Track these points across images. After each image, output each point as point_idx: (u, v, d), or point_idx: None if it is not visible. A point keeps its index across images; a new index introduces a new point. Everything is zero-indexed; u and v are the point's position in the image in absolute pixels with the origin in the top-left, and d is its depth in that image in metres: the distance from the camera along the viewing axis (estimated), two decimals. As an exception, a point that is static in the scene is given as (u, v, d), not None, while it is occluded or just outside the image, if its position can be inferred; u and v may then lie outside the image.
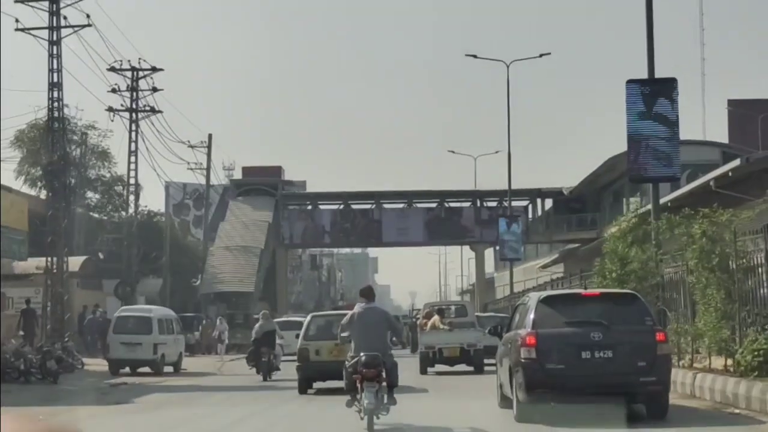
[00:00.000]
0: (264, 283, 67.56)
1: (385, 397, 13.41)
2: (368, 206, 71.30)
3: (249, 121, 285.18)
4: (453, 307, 31.47)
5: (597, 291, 15.72)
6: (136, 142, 48.14)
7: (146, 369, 30.11)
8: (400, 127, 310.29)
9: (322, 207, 71.55)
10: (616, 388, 13.00)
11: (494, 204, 70.86)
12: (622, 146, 25.59)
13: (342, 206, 71.03)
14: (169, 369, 31.02)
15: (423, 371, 26.25)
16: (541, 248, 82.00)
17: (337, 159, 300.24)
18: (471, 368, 26.64)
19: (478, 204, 70.83)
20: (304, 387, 20.84)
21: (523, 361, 13.11)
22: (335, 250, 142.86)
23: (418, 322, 32.03)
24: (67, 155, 39.35)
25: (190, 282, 62.98)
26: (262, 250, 63.95)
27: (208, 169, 63.62)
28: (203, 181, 64.11)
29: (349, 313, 14.58)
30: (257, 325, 27.90)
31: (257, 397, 21.23)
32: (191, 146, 63.34)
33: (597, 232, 64.19)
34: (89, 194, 59.06)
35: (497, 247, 64.54)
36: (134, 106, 48.34)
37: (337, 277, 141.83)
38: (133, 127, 48.31)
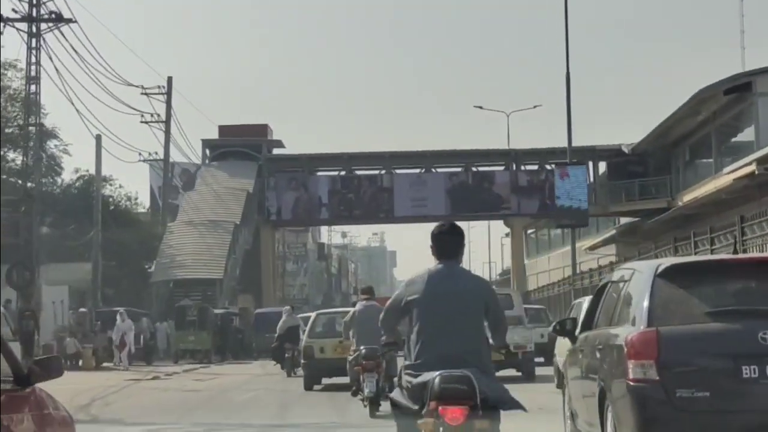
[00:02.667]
0: (244, 269, 53.28)
1: (387, 386, 13.82)
2: (376, 172, 56.74)
3: (228, 71, 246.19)
4: None
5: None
6: (37, 60, 33.64)
7: None
8: (413, 81, 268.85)
9: (318, 174, 56.98)
10: None
11: (535, 167, 56.19)
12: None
13: (343, 172, 56.49)
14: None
15: None
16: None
17: (336, 119, 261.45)
18: (519, 374, 22.67)
19: (514, 167, 56.13)
20: (309, 383, 21.23)
21: (632, 384, 7.62)
22: (346, 239, 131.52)
23: None
24: None
25: (144, 267, 48.60)
26: (237, 225, 49.40)
27: (167, 121, 49.33)
28: (161, 138, 49.80)
29: (351, 310, 16.23)
30: (281, 321, 28.51)
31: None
32: (145, 93, 49.14)
33: (668, 201, 50.26)
34: (11, 155, 44.69)
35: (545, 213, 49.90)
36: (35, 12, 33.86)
37: (349, 269, 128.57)
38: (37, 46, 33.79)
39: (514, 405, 6.33)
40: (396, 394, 6.41)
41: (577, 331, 10.02)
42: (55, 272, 39.34)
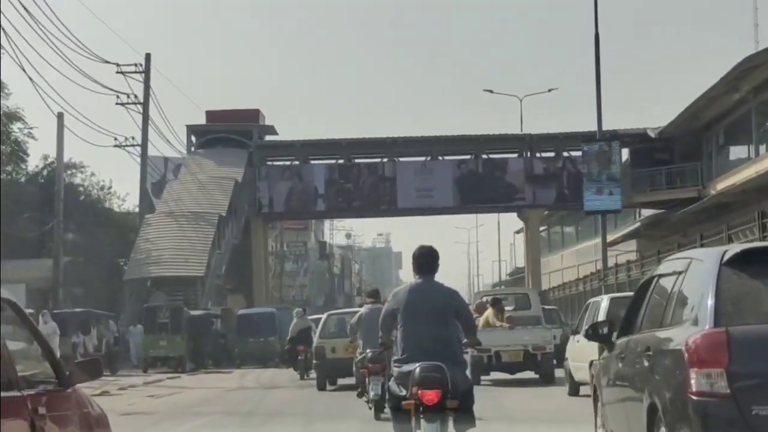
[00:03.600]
0: (233, 266, 48.43)
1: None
2: (377, 159, 51.81)
3: (218, 54, 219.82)
4: (512, 297, 27.34)
5: None
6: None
7: None
8: (417, 64, 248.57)
9: (313, 162, 52.06)
10: None
11: (551, 154, 51.25)
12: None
13: (341, 160, 51.57)
14: None
15: (476, 381, 19.11)
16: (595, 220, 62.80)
17: (333, 105, 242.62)
18: (536, 377, 21.56)
19: (529, 154, 51.18)
20: (322, 383, 21.67)
21: (695, 399, 6.38)
22: (350, 240, 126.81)
23: None
24: None
25: (120, 265, 43.73)
26: (223, 217, 44.48)
27: (145, 101, 44.50)
28: (139, 122, 44.97)
29: (358, 313, 16.61)
30: (292, 324, 28.46)
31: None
32: (121, 71, 44.41)
33: (698, 190, 45.62)
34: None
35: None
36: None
37: (353, 269, 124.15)
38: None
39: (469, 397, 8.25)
40: (391, 384, 8.46)
41: (614, 335, 8.66)
42: (13, 270, 34.51)
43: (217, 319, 37.39)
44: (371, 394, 14.72)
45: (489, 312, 22.00)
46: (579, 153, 51.07)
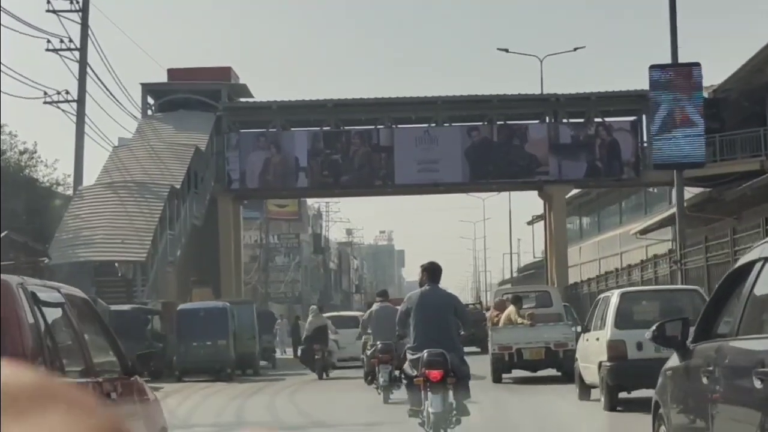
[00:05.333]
0: (196, 252, 39.87)
1: (398, 376, 15.97)
2: (371, 126, 43.12)
3: (185, 8, 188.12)
4: (533, 294, 26.92)
5: None
6: None
7: None
8: (420, 19, 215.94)
9: (294, 129, 43.32)
10: None
11: (580, 120, 42.57)
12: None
13: (328, 127, 42.86)
14: None
15: (497, 378, 21.75)
16: (619, 207, 54.95)
17: (320, 64, 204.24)
18: (559, 374, 21.45)
19: (554, 119, 42.48)
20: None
21: None
22: (353, 237, 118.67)
23: (487, 314, 26.99)
24: None
25: (45, 246, 34.91)
26: (176, 190, 35.70)
27: (83, 43, 36.02)
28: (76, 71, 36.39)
29: (368, 311, 19.70)
30: (307, 322, 27.61)
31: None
32: (53, 10, 35.99)
33: (761, 162, 38.12)
34: None
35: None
36: None
37: (351, 265, 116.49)
38: None
39: (465, 375, 11.29)
40: (406, 366, 11.39)
41: (689, 339, 6.97)
42: None
43: (153, 317, 28.56)
44: (381, 380, 17.38)
45: (511, 309, 22.17)
46: (615, 119, 42.79)
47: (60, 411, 0.95)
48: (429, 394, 10.70)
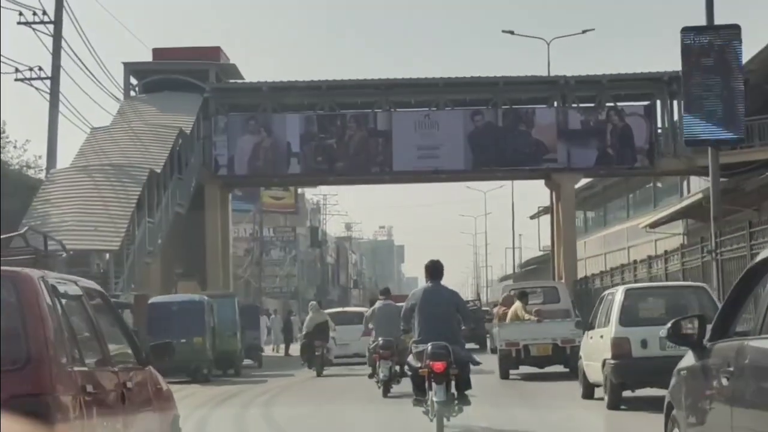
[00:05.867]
0: (181, 243, 37.46)
1: (398, 371, 17.73)
2: (368, 110, 40.53)
3: None
4: (539, 290, 26.21)
5: None
6: None
7: None
8: (421, 0, 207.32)
9: (286, 113, 40.68)
10: None
11: (591, 105, 39.98)
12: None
13: (322, 110, 40.27)
14: None
15: (504, 375, 21.70)
16: (627, 201, 52.85)
17: (315, 45, 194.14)
18: (566, 370, 20.85)
19: (562, 103, 39.89)
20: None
21: None
22: (351, 231, 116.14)
23: (494, 310, 28.52)
24: None
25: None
26: (155, 174, 33.08)
27: (57, 14, 33.57)
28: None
29: (371, 308, 20.21)
30: (307, 318, 27.05)
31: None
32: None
33: None
34: None
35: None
36: None
37: (350, 259, 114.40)
38: None
39: (472, 361, 12.34)
40: (410, 358, 12.22)
41: (706, 337, 6.70)
42: None
43: (124, 311, 25.91)
44: (381, 375, 17.95)
45: (517, 305, 22.17)
46: (627, 103, 40.22)
47: None
48: (433, 384, 11.46)
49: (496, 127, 39.59)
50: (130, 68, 40.64)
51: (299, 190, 76.78)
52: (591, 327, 16.48)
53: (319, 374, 25.03)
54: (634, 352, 14.33)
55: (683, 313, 11.15)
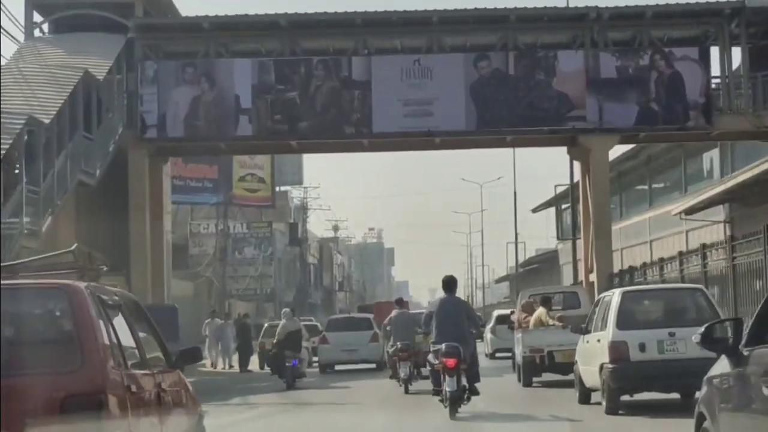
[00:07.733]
0: (100, 228, 28.60)
1: (416, 371, 20.87)
2: (342, 55, 31.59)
3: None
4: (561, 295, 26.52)
5: None
6: None
7: None
8: None
9: (234, 58, 31.66)
10: None
11: (630, 47, 31.21)
12: None
13: (281, 55, 31.31)
14: None
15: (527, 382, 21.92)
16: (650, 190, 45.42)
17: None
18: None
19: (593, 45, 31.06)
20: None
21: None
22: (338, 233, 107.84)
23: (513, 317, 26.33)
24: None
25: None
26: (38, 125, 24.06)
27: None
28: None
29: (389, 317, 22.86)
30: (279, 326, 26.04)
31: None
32: None
33: None
34: None
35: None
36: None
37: (335, 260, 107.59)
38: None
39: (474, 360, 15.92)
40: (430, 356, 15.85)
41: (742, 342, 6.71)
42: None
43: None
44: (402, 374, 20.42)
45: (541, 311, 22.38)
46: (677, 47, 31.42)
47: None
48: (446, 377, 14.90)
49: (507, 75, 30.81)
50: (34, 2, 31.62)
51: (277, 188, 70.79)
52: (587, 331, 16.69)
53: (290, 387, 24.07)
54: (632, 356, 14.57)
55: (681, 316, 14.27)
